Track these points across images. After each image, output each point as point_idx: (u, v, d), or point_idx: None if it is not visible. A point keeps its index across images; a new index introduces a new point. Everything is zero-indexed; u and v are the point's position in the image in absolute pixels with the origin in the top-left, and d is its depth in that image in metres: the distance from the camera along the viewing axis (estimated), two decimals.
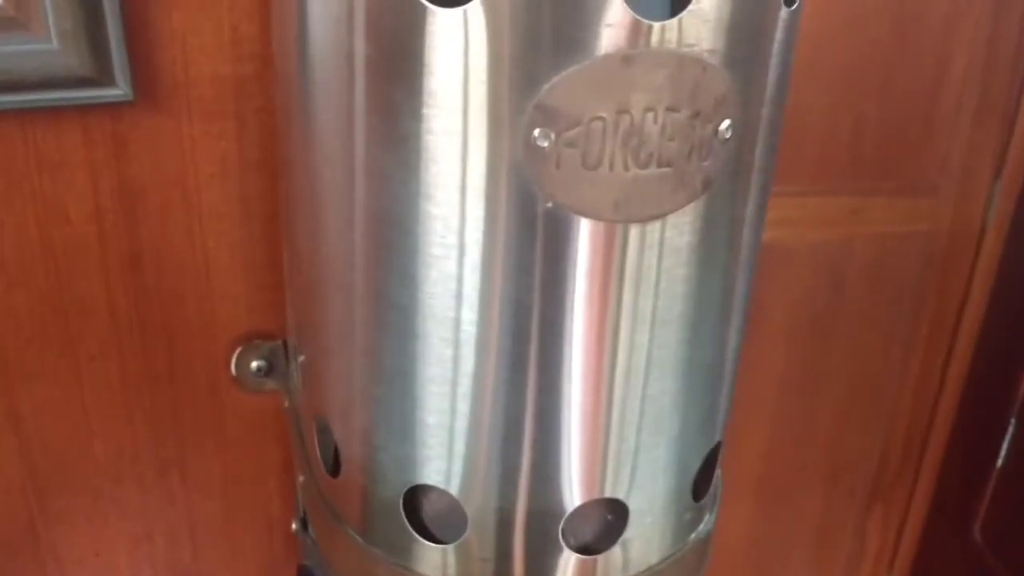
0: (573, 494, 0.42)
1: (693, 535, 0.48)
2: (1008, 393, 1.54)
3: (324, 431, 0.48)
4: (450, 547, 0.44)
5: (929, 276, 1.56)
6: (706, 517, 0.50)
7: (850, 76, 1.20)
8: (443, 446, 0.42)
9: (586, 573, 0.44)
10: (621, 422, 0.42)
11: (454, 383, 0.41)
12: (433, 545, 0.44)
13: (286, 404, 0.61)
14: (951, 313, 1.60)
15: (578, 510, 0.43)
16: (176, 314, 0.62)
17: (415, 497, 0.45)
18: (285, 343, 0.64)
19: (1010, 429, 1.56)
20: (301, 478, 0.54)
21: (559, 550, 0.43)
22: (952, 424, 1.67)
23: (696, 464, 0.46)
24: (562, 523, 0.43)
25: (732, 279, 0.42)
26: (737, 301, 0.43)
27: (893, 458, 1.69)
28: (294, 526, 0.64)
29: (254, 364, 0.64)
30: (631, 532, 0.44)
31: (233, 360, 0.64)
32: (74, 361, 0.62)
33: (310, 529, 0.62)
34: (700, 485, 0.47)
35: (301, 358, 0.51)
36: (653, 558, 0.46)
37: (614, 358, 0.40)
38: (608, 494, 0.43)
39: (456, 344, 0.40)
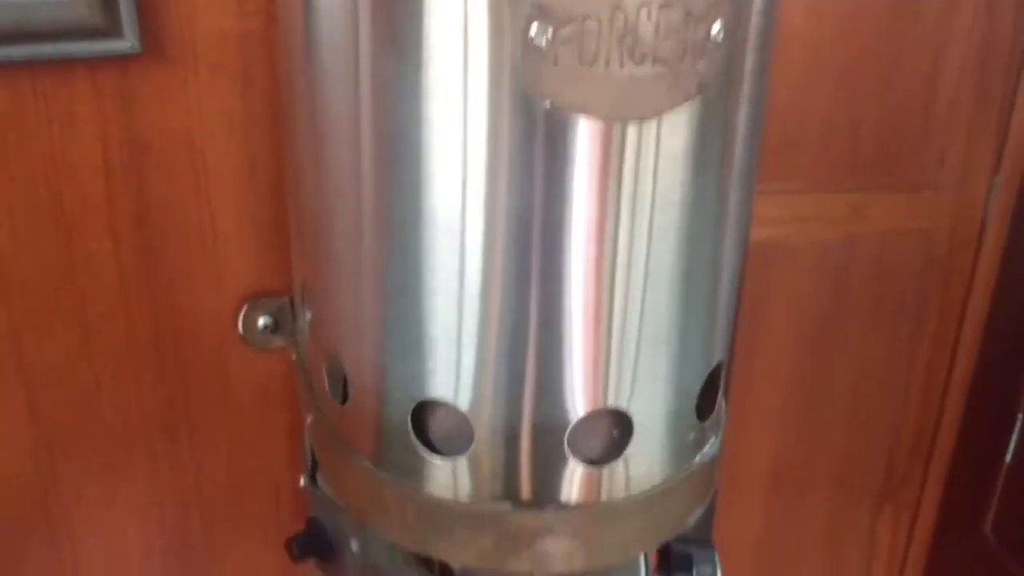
0: (577, 404, 0.43)
1: (698, 457, 0.49)
2: (1015, 388, 1.54)
3: (333, 366, 0.49)
4: (458, 462, 0.44)
5: (932, 273, 1.57)
6: (711, 440, 0.50)
7: (848, 76, 1.22)
8: (450, 360, 0.43)
9: (591, 486, 0.45)
10: (622, 331, 0.42)
11: (460, 295, 0.41)
12: (442, 462, 0.45)
13: (293, 357, 0.62)
14: (955, 310, 1.60)
15: (583, 423, 0.44)
16: (183, 272, 0.63)
17: (422, 419, 0.46)
18: (291, 301, 0.65)
19: (1018, 425, 1.56)
20: (309, 419, 0.54)
21: (565, 462, 0.44)
22: (960, 421, 1.67)
23: (698, 381, 0.46)
24: (567, 434, 0.43)
25: (726, 190, 0.43)
26: (732, 216, 0.44)
27: (901, 457, 1.68)
28: (302, 481, 0.65)
29: (261, 321, 0.65)
30: (635, 446, 0.45)
31: (240, 318, 0.65)
32: (83, 320, 0.62)
33: (319, 475, 0.62)
34: (704, 405, 0.48)
35: (308, 315, 0.52)
36: (658, 476, 0.47)
37: (614, 266, 0.41)
38: (611, 404, 0.43)
39: (461, 254, 0.41)
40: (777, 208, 1.49)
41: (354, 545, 0.58)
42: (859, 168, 1.48)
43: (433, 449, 0.46)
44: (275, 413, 0.68)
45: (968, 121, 1.41)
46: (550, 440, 0.43)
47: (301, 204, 0.48)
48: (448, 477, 0.45)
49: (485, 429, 0.43)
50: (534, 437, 0.43)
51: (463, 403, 0.43)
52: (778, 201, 1.48)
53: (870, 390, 1.61)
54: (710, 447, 0.50)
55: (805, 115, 1.29)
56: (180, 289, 0.63)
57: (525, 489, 0.45)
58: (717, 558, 0.62)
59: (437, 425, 0.46)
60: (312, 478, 0.62)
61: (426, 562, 0.55)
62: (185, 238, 0.62)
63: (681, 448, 0.47)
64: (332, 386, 0.50)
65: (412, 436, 0.45)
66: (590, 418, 0.44)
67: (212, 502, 0.70)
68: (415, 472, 0.46)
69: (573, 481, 0.45)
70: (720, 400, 0.51)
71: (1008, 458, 1.58)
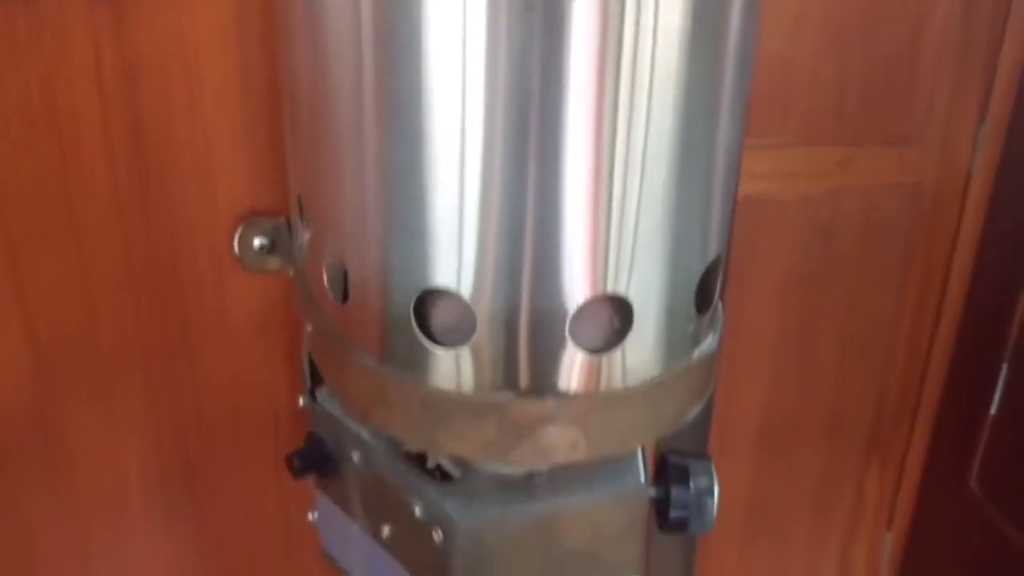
0: (576, 290, 0.43)
1: (696, 352, 0.49)
2: (999, 340, 1.56)
3: (333, 266, 0.49)
4: (461, 352, 0.45)
5: (918, 226, 1.58)
6: (709, 337, 0.51)
7: (833, 30, 1.22)
8: (452, 245, 0.43)
9: (591, 374, 0.45)
10: (620, 214, 0.43)
11: (460, 176, 0.42)
12: (444, 352, 0.45)
13: (291, 273, 0.62)
14: (941, 262, 1.62)
15: (583, 311, 0.44)
16: (178, 191, 0.63)
17: (424, 312, 0.46)
18: (287, 221, 0.65)
19: (1002, 376, 1.58)
20: (309, 327, 0.54)
21: (565, 349, 0.44)
22: (946, 373, 1.68)
23: (695, 272, 0.47)
24: (568, 322, 0.44)
25: (723, 73, 0.43)
26: (726, 102, 0.44)
27: (888, 411, 1.70)
28: (301, 401, 0.65)
29: (256, 242, 0.65)
30: (635, 335, 0.45)
31: (236, 238, 0.65)
32: (78, 238, 0.62)
33: (318, 392, 0.63)
34: (702, 299, 0.48)
35: (306, 224, 0.52)
36: (656, 367, 0.47)
37: (612, 146, 0.41)
38: (610, 290, 0.44)
39: (461, 134, 0.41)
40: (764, 163, 1.49)
41: (355, 456, 0.59)
42: (845, 122, 1.49)
43: (435, 342, 0.46)
44: (273, 336, 0.68)
45: (953, 74, 1.42)
46: (550, 327, 0.44)
47: (299, 101, 0.48)
48: (451, 368, 0.46)
49: (486, 317, 0.44)
50: (535, 324, 0.44)
51: (465, 290, 0.44)
52: (765, 156, 1.49)
53: (857, 343, 1.63)
54: (708, 344, 0.51)
55: (791, 69, 1.29)
56: (175, 209, 0.63)
57: (526, 377, 0.45)
58: (714, 470, 0.63)
59: (439, 317, 0.46)
60: (311, 395, 0.63)
61: (429, 473, 0.56)
62: (179, 156, 0.62)
63: (680, 340, 0.48)
64: (333, 288, 0.50)
65: (415, 327, 0.45)
66: (590, 306, 0.44)
67: (211, 427, 0.70)
68: (418, 364, 0.46)
69: (573, 369, 0.45)
70: (717, 299, 0.51)
71: (993, 410, 1.60)
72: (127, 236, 0.63)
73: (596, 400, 0.46)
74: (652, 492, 0.61)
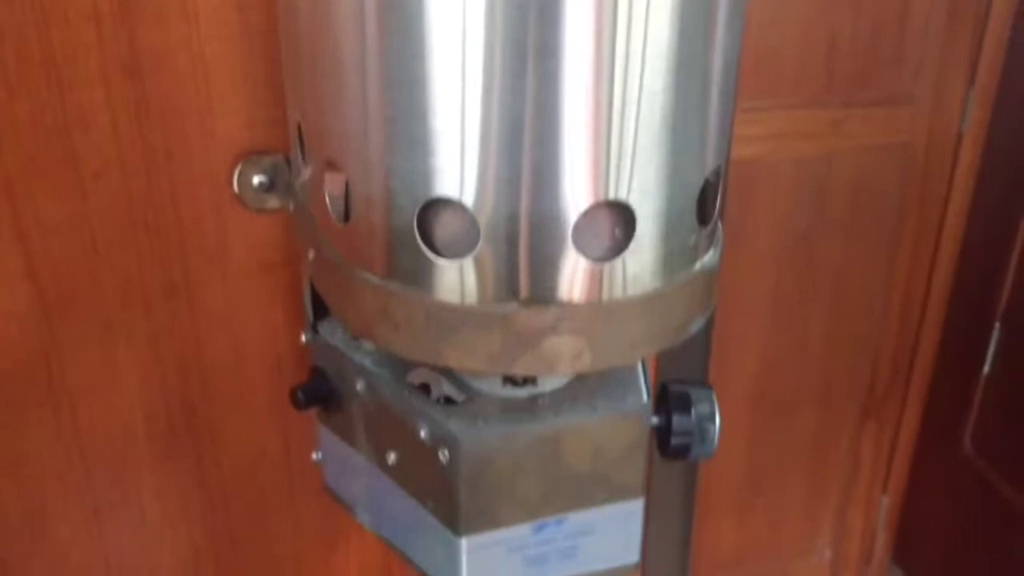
0: (578, 196, 0.44)
1: (698, 265, 0.50)
2: (992, 299, 1.58)
3: (335, 186, 0.49)
4: (464, 263, 0.45)
5: (910, 187, 1.59)
6: (710, 252, 0.51)
7: None
8: (454, 153, 0.43)
9: (593, 284, 0.46)
10: (621, 118, 0.43)
11: (462, 82, 0.42)
12: (447, 263, 0.45)
13: (291, 207, 0.62)
14: (933, 223, 1.63)
15: (586, 220, 0.44)
16: (176, 128, 0.63)
17: (427, 226, 0.46)
18: (287, 158, 0.65)
19: (995, 335, 1.59)
20: (311, 254, 0.54)
21: (568, 258, 0.45)
22: (939, 334, 1.70)
23: (696, 180, 0.47)
24: (571, 228, 0.44)
25: None
26: (723, 13, 0.45)
27: (883, 372, 1.72)
28: (303, 337, 0.65)
29: (256, 180, 0.65)
30: (637, 244, 0.46)
31: (235, 176, 0.65)
32: (78, 177, 0.62)
33: (320, 325, 0.63)
34: (703, 210, 0.49)
35: (307, 165, 0.52)
36: (658, 278, 0.47)
37: (612, 47, 0.41)
38: (611, 196, 0.44)
39: (463, 37, 0.41)
40: (756, 126, 1.50)
41: (359, 386, 0.59)
42: (836, 84, 1.50)
43: (439, 255, 0.46)
44: (274, 276, 0.69)
45: (942, 36, 1.42)
46: (553, 234, 0.44)
47: (297, 16, 0.48)
48: (454, 280, 0.46)
49: (489, 226, 0.44)
50: (537, 231, 0.44)
51: (468, 199, 0.44)
52: (756, 119, 1.49)
53: (851, 305, 1.64)
54: (710, 258, 0.51)
55: (782, 31, 1.30)
56: (174, 146, 0.63)
57: (529, 287, 0.45)
58: (715, 398, 0.63)
59: (442, 230, 0.46)
60: (314, 329, 0.63)
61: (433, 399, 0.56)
62: (177, 94, 0.62)
63: (681, 251, 0.48)
64: (334, 208, 0.50)
65: (418, 239, 0.45)
66: (592, 213, 0.45)
67: (213, 368, 0.70)
68: (422, 278, 0.46)
69: (576, 278, 0.45)
70: (718, 215, 0.52)
71: (986, 369, 1.62)
72: (126, 175, 0.63)
73: (599, 309, 0.46)
74: (654, 420, 0.61)
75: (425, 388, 0.57)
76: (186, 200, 0.65)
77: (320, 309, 0.64)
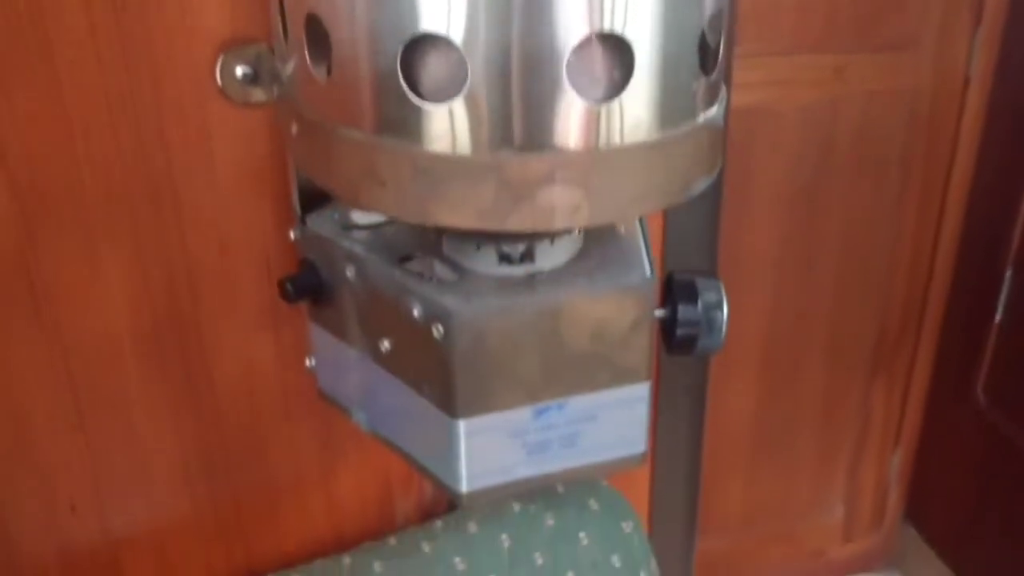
0: (571, 26, 0.41)
1: (701, 118, 0.47)
2: (1002, 245, 1.55)
3: (315, 34, 0.47)
4: (454, 106, 0.42)
5: (916, 134, 1.56)
6: (715, 108, 0.48)
7: None
8: None
9: (590, 128, 0.43)
10: None
11: None
12: (435, 108, 0.43)
13: (276, 92, 0.60)
14: (940, 169, 1.60)
15: (581, 55, 0.42)
16: (156, 18, 0.60)
17: (412, 72, 0.43)
18: (270, 46, 0.62)
19: (1006, 282, 1.57)
20: (294, 128, 0.52)
21: (562, 97, 0.42)
22: (949, 284, 1.67)
23: (695, 21, 0.44)
24: (565, 63, 0.41)
25: None
26: None
27: (892, 324, 1.69)
28: (292, 234, 0.63)
29: (239, 71, 0.62)
30: (636, 84, 0.43)
31: (217, 68, 0.62)
32: (54, 74, 0.60)
33: (308, 217, 0.61)
34: (704, 57, 0.46)
35: (289, 39, 0.50)
36: (659, 125, 0.45)
37: None
38: (607, 27, 0.41)
39: None
40: (759, 72, 1.47)
41: (350, 273, 0.57)
42: (840, 28, 1.47)
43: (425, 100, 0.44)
44: (261, 175, 0.66)
45: None
46: (547, 71, 0.42)
47: None
48: (443, 127, 0.43)
49: (479, 63, 0.41)
50: (530, 68, 0.41)
51: (455, 34, 0.41)
52: (760, 64, 1.46)
53: (858, 256, 1.61)
54: (714, 113, 0.48)
55: None
56: (153, 37, 0.60)
57: (523, 131, 0.43)
58: (722, 287, 0.61)
59: (428, 76, 0.44)
60: (302, 221, 0.61)
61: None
62: None
63: (682, 100, 0.46)
64: (316, 68, 0.48)
65: (402, 82, 0.43)
66: (587, 51, 0.42)
67: (200, 274, 0.68)
68: (408, 128, 0.44)
69: (571, 121, 0.43)
70: (721, 69, 0.49)
71: (998, 317, 1.59)
72: (103, 67, 0.60)
73: (596, 157, 0.44)
74: (659, 313, 0.59)
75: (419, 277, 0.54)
76: (168, 95, 0.62)
77: (308, 202, 0.62)
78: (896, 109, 1.50)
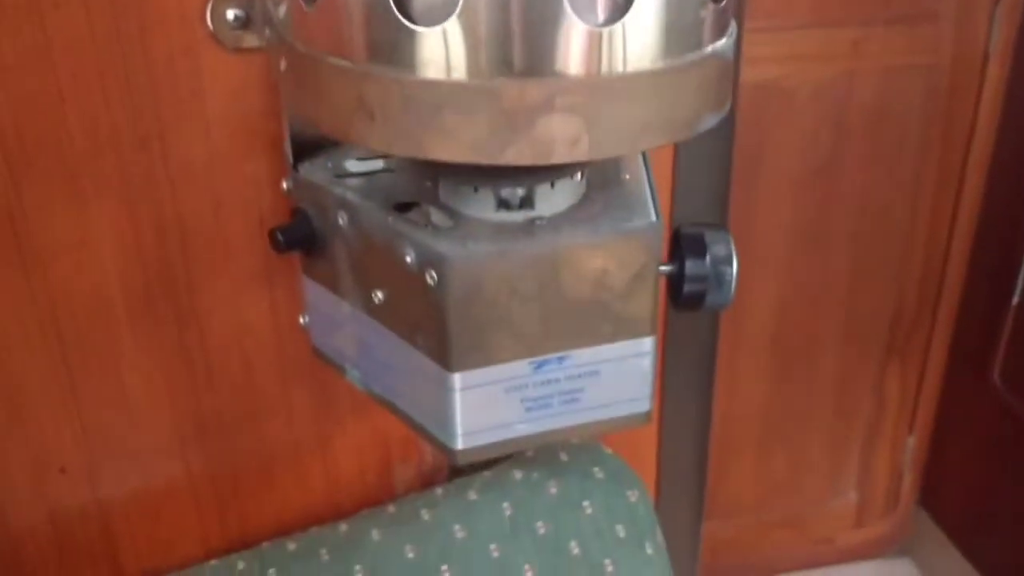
0: None
1: (709, 49, 0.45)
2: (1022, 226, 1.51)
3: None
4: (447, 28, 0.40)
5: (934, 111, 1.52)
6: (724, 40, 0.46)
7: None
8: None
9: (591, 52, 0.41)
10: None
11: None
12: (427, 31, 0.40)
13: (267, 34, 0.57)
14: (959, 148, 1.56)
15: None
16: None
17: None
18: None
19: None
20: (283, 64, 0.49)
21: (563, 17, 0.39)
22: (966, 265, 1.63)
23: None
24: None
25: None
26: None
27: (907, 306, 1.66)
28: (284, 185, 0.61)
29: (231, 13, 0.60)
30: (640, 9, 0.40)
31: (208, 10, 0.60)
32: (37, 13, 0.57)
33: (300, 165, 0.58)
34: None
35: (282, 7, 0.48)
36: (664, 53, 0.42)
37: None
38: None
39: None
40: (772, 46, 1.43)
41: (342, 220, 0.54)
42: (856, 1, 1.43)
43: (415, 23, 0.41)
44: (254, 129, 0.64)
45: None
46: None
47: None
48: (435, 52, 0.41)
49: None
50: None
51: None
52: (773, 39, 1.43)
53: (873, 237, 1.58)
54: (724, 44, 0.46)
55: None
56: None
57: (521, 55, 0.40)
58: (732, 240, 0.58)
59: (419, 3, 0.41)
60: (294, 169, 0.58)
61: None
62: None
63: (689, 28, 0.43)
64: None
65: (391, 3, 0.40)
66: None
67: (192, 228, 0.65)
68: (398, 54, 0.41)
69: (571, 45, 0.40)
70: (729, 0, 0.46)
71: (1015, 299, 1.55)
72: (91, 15, 0.58)
73: (598, 84, 0.41)
74: (666, 268, 0.57)
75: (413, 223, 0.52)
76: (156, 37, 0.60)
77: (301, 151, 0.60)
78: (914, 85, 1.47)
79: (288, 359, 0.72)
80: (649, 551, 0.75)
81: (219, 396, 0.72)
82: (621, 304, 0.51)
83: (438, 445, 0.54)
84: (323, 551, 0.73)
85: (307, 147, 0.59)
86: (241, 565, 0.73)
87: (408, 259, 0.49)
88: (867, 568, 1.84)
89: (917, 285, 1.66)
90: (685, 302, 0.57)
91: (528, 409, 0.53)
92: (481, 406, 0.51)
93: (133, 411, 0.70)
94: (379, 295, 0.53)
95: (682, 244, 0.57)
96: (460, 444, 0.52)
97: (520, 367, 0.51)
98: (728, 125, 0.77)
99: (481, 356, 0.50)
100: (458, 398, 0.51)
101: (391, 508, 0.77)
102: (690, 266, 0.56)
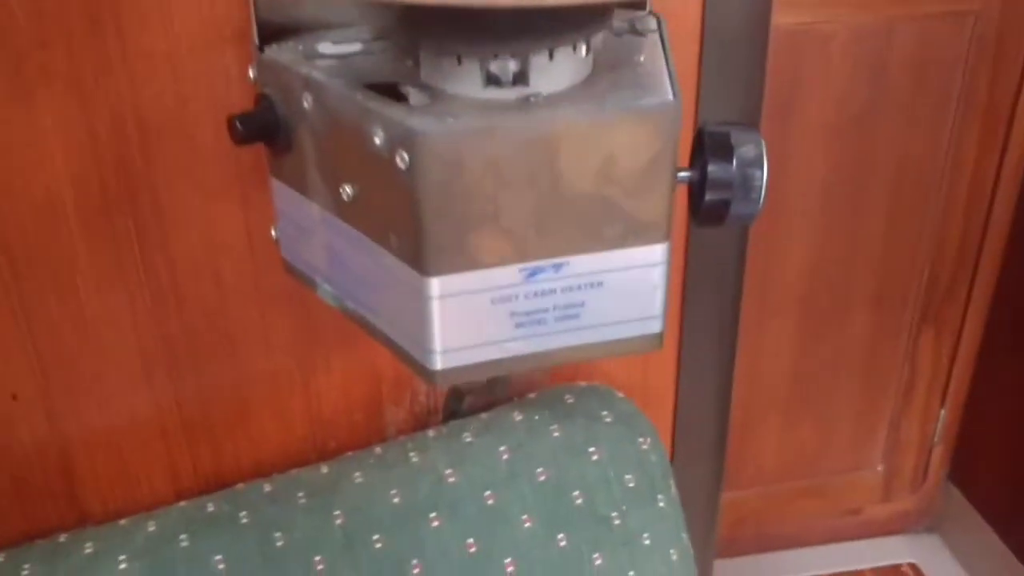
0: None
1: None
2: None
3: None
4: None
5: (979, 62, 1.42)
6: None
7: None
8: None
9: None
10: None
11: None
12: None
13: None
14: (1005, 101, 1.47)
15: None
16: None
17: None
18: None
19: None
20: None
21: None
22: (1009, 227, 1.54)
23: None
24: None
25: None
26: None
27: (945, 271, 1.56)
28: (251, 72, 0.53)
29: None
30: None
31: None
32: None
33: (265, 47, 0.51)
34: None
35: None
36: None
37: None
38: None
39: None
40: None
41: (307, 103, 0.47)
42: None
43: None
44: (221, 13, 0.56)
45: None
46: None
47: None
48: None
49: None
50: None
51: None
52: None
53: (911, 194, 1.48)
54: None
55: None
56: None
57: None
58: (762, 142, 0.50)
59: None
60: (260, 50, 0.51)
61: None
62: None
63: None
64: None
65: None
66: None
67: (153, 126, 0.58)
68: None
69: None
70: None
71: None
72: None
73: None
74: (686, 175, 0.49)
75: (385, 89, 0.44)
76: None
77: (267, 31, 0.52)
78: (959, 33, 1.38)
79: (266, 280, 0.65)
80: (661, 504, 0.68)
81: (188, 319, 0.65)
82: (630, 201, 0.43)
83: (416, 368, 0.47)
84: (300, 494, 0.66)
85: (277, 32, 0.52)
86: (211, 507, 0.66)
87: (377, 140, 0.42)
88: (892, 543, 1.79)
89: (956, 248, 1.58)
90: (707, 212, 0.50)
91: (519, 325, 0.45)
92: (463, 320, 0.44)
93: (92, 334, 0.63)
94: (348, 190, 0.46)
95: (705, 145, 0.49)
96: (439, 363, 0.45)
97: (509, 274, 0.44)
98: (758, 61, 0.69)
99: (462, 259, 0.43)
100: (436, 308, 0.43)
101: (378, 450, 0.70)
102: (714, 170, 0.48)
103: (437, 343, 0.44)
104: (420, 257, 0.42)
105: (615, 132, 0.41)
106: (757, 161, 0.49)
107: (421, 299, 0.43)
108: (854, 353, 1.63)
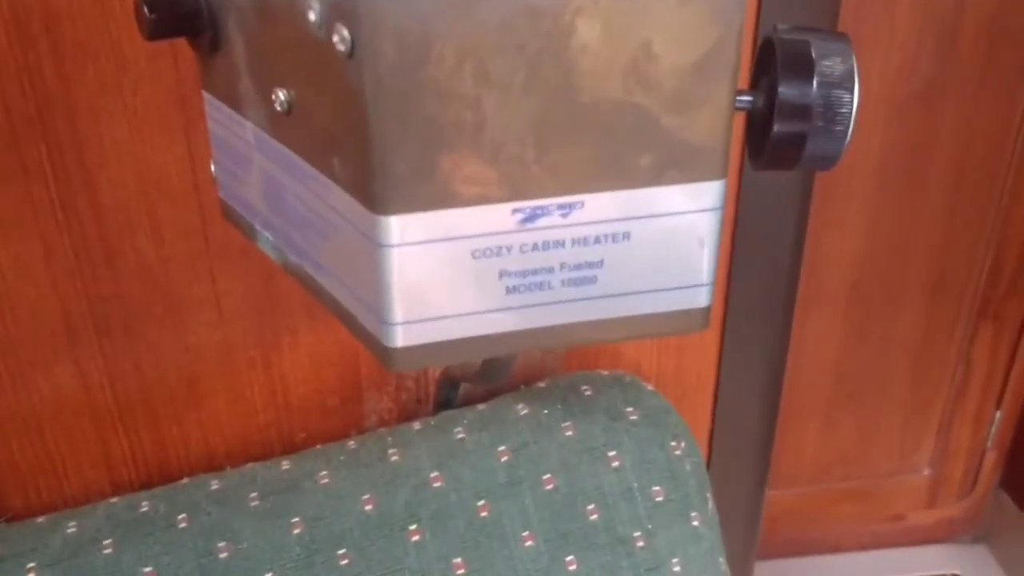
0: None
1: None
2: None
3: None
4: None
5: None
6: None
7: None
8: None
9: None
10: None
11: None
12: None
13: None
14: None
15: None
16: None
17: None
18: None
19: None
20: None
21: None
22: None
23: None
24: None
25: None
26: None
27: (1008, 264, 1.45)
28: None
29: None
30: None
31: None
32: None
33: None
34: None
35: None
36: None
37: None
38: None
39: None
40: None
41: None
42: None
43: None
44: None
45: None
46: None
47: None
48: None
49: None
50: None
51: None
52: None
53: (976, 178, 1.36)
54: None
55: None
56: None
57: None
58: (853, 54, 0.37)
59: None
60: None
61: None
62: None
63: None
64: None
65: None
66: None
67: (67, 32, 0.46)
68: None
69: None
70: None
71: None
72: None
73: None
74: (747, 99, 0.36)
75: None
76: None
77: None
78: None
79: (216, 232, 0.54)
80: (696, 523, 0.56)
81: (121, 278, 0.54)
82: (673, 116, 0.30)
83: (372, 346, 0.34)
84: (253, 495, 0.55)
85: None
86: (145, 506, 0.55)
87: (311, 15, 0.29)
88: (937, 553, 1.73)
89: (1021, 240, 1.45)
90: (775, 150, 0.36)
91: (511, 290, 0.32)
92: (432, 279, 0.31)
93: (2, 295, 0.52)
94: (281, 96, 0.33)
95: (776, 56, 0.36)
96: (399, 339, 0.32)
97: (498, 216, 0.31)
98: None
99: (430, 192, 0.30)
100: (394, 261, 0.31)
101: (351, 444, 0.58)
102: (786, 91, 0.35)
103: (395, 309, 0.32)
104: (371, 188, 0.30)
105: (655, 9, 0.28)
106: (847, 79, 0.36)
107: (373, 248, 0.31)
108: (905, 348, 1.54)
